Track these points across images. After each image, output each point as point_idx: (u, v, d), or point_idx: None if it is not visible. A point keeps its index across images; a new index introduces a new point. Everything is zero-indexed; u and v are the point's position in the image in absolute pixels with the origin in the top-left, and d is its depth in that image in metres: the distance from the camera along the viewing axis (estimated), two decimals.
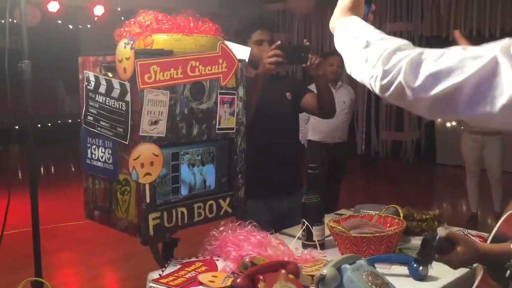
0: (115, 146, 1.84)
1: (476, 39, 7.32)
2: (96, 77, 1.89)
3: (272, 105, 2.43)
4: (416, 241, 2.03)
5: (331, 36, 1.20)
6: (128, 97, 1.76)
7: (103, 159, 1.90)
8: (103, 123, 1.87)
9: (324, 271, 1.51)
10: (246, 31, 2.43)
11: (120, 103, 1.80)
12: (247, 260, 1.75)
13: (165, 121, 1.81)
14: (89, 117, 1.94)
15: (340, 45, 1.14)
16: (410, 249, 2.00)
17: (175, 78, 1.81)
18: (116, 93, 1.81)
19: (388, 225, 2.05)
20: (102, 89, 1.86)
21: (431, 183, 7.56)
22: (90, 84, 1.92)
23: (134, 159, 1.75)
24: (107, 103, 1.85)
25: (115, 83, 1.80)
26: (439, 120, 8.03)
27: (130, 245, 2.48)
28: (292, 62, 2.33)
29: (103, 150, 1.90)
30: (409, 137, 8.38)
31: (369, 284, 1.51)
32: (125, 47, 1.75)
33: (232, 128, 2.03)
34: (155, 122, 1.78)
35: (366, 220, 2.05)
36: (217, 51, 1.94)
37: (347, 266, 1.54)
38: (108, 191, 1.91)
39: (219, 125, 1.98)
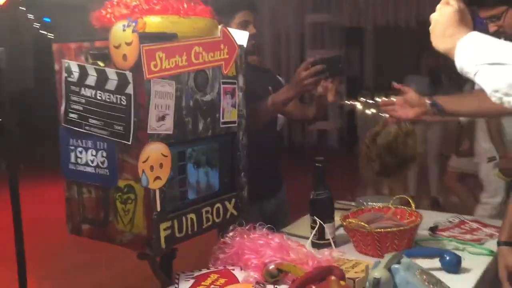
0: (112, 147, 1.57)
1: (394, 29, 7.60)
2: (82, 67, 1.59)
3: (257, 101, 2.24)
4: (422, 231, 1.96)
5: None
6: (130, 89, 1.50)
7: (95, 163, 1.62)
8: (94, 121, 1.59)
9: (376, 274, 1.37)
10: (228, 11, 2.21)
11: (119, 96, 1.53)
12: (272, 267, 1.58)
13: (172, 116, 1.57)
14: (71, 115, 1.64)
15: (470, 68, 1.04)
16: (423, 240, 1.93)
17: (180, 66, 1.58)
18: (112, 85, 1.53)
19: (399, 217, 1.96)
20: (91, 80, 1.58)
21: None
22: (72, 76, 1.62)
23: (144, 162, 1.50)
24: (98, 97, 1.57)
25: (111, 73, 1.53)
26: (359, 107, 8.27)
27: (115, 263, 2.19)
28: (329, 78, 2.01)
29: (94, 153, 1.61)
30: (333, 126, 8.53)
31: (426, 283, 1.40)
32: (124, 30, 1.48)
33: (235, 122, 1.83)
34: (163, 117, 1.54)
35: (380, 213, 1.95)
36: (218, 35, 1.72)
37: (397, 266, 1.42)
38: (103, 200, 1.63)
39: (222, 118, 1.77)
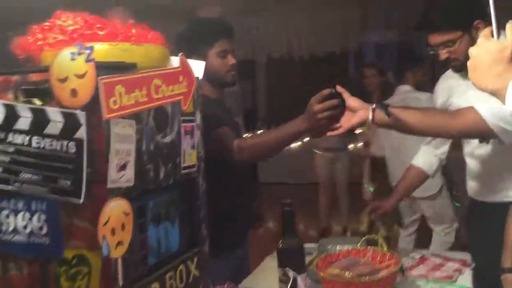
0: (55, 208, 1.22)
1: (286, 62, 7.68)
2: (9, 107, 1.23)
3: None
4: None
5: None
6: (81, 133, 1.18)
7: (28, 230, 1.25)
8: (28, 176, 1.23)
9: None
10: (207, 40, 1.95)
11: (66, 142, 1.19)
12: None
13: (133, 164, 1.27)
14: None
15: None
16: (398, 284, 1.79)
17: (141, 103, 1.29)
18: (55, 128, 1.20)
19: (370, 258, 1.80)
20: (24, 123, 1.22)
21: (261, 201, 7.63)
22: None
23: (104, 225, 1.17)
24: (35, 145, 1.22)
25: (54, 113, 1.19)
26: None
27: None
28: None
29: (28, 216, 1.25)
30: None
31: None
32: (73, 59, 1.17)
33: (194, 166, 1.56)
34: (124, 166, 1.23)
35: (355, 258, 1.78)
36: (171, 65, 1.47)
37: None
38: (40, 278, 1.26)
39: (183, 162, 1.49)
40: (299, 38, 7.38)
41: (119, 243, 1.22)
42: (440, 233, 3.46)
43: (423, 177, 2.19)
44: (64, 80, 1.17)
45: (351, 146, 4.96)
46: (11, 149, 1.24)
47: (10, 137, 1.24)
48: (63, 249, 1.23)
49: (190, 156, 1.53)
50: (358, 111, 1.71)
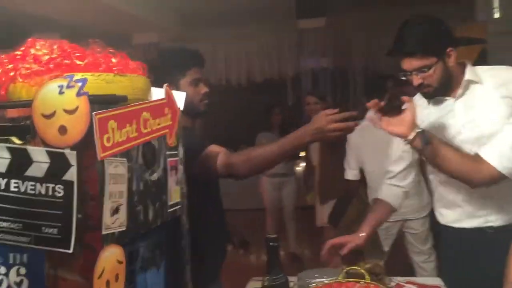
0: (38, 260, 1.08)
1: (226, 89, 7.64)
2: None
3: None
4: None
5: None
6: (71, 175, 1.05)
7: (4, 287, 1.10)
8: (5, 224, 1.08)
9: None
10: (178, 68, 1.87)
11: (52, 186, 1.06)
12: None
13: (125, 206, 1.15)
14: None
15: None
16: None
17: (131, 138, 1.18)
18: (39, 170, 1.06)
19: None
20: (0, 166, 1.08)
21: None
22: None
23: (99, 278, 1.05)
24: (13, 189, 1.08)
25: (38, 153, 1.06)
26: None
27: None
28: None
29: (3, 271, 1.10)
30: None
31: None
32: (62, 92, 1.05)
33: (178, 203, 1.46)
34: (117, 210, 1.11)
35: None
36: (152, 97, 1.37)
37: None
38: None
39: (170, 200, 1.39)
40: (237, 64, 7.39)
41: None
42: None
43: (391, 210, 2.17)
44: (50, 116, 1.05)
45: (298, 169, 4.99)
46: None
47: None
48: None
49: (175, 193, 1.42)
50: (401, 125, 1.76)
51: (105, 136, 1.07)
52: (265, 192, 4.95)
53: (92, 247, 1.06)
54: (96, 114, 1.04)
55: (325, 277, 1.85)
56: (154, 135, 1.29)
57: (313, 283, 1.80)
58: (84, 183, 1.06)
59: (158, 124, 1.32)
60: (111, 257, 1.09)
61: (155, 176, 1.31)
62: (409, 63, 1.88)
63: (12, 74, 1.20)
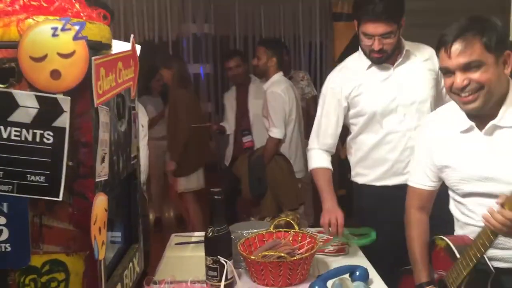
0: (20, 209, 1.04)
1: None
2: None
3: None
4: None
5: None
6: (63, 122, 1.02)
7: None
8: None
9: None
10: None
11: (40, 132, 1.02)
12: None
13: (108, 155, 1.14)
14: None
15: None
16: None
17: (112, 88, 1.17)
18: (26, 115, 1.02)
19: (282, 239, 1.92)
20: None
21: None
22: None
23: (94, 224, 1.04)
24: None
25: (26, 98, 1.01)
26: None
27: None
28: None
29: None
30: None
31: None
32: (55, 35, 1.00)
33: (136, 157, 1.46)
34: (103, 159, 1.11)
35: (277, 240, 1.86)
36: (129, 48, 1.35)
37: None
38: None
39: (132, 152, 1.39)
40: (116, 22, 7.04)
41: (103, 243, 1.10)
42: None
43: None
44: (41, 59, 1.01)
45: None
46: None
47: None
48: (29, 256, 1.05)
49: (133, 146, 1.43)
50: None
51: (98, 83, 1.06)
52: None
53: (84, 195, 1.05)
54: (95, 60, 1.02)
55: (255, 228, 1.98)
56: (124, 85, 1.28)
57: (246, 234, 1.91)
58: (77, 130, 1.04)
59: (126, 76, 1.31)
60: (101, 205, 1.09)
61: (123, 128, 1.31)
62: (374, 27, 2.00)
63: None
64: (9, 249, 1.05)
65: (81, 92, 1.02)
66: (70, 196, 1.04)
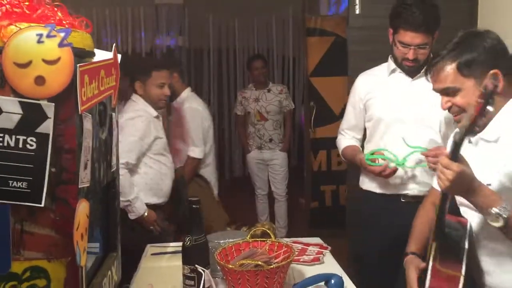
0: (1, 214, 1.03)
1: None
2: None
3: None
4: None
5: None
6: (46, 127, 1.03)
7: None
8: None
9: None
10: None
11: (23, 138, 1.03)
12: None
13: (90, 162, 1.15)
14: None
15: None
16: None
17: (95, 95, 1.18)
18: (9, 121, 1.02)
19: (267, 249, 1.93)
20: None
21: None
22: None
23: (76, 230, 1.05)
24: None
25: (9, 103, 1.01)
26: None
27: None
28: None
29: None
30: None
31: None
32: (41, 41, 1.01)
33: (115, 165, 1.46)
34: (86, 165, 1.11)
35: (254, 249, 1.88)
36: (111, 57, 1.36)
37: None
38: None
39: (112, 161, 1.40)
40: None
41: (84, 250, 1.10)
42: None
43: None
44: (25, 65, 1.01)
45: None
46: None
47: None
48: (10, 263, 1.05)
49: (114, 155, 1.43)
50: None
51: (83, 90, 1.07)
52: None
53: (66, 201, 1.05)
54: (79, 66, 1.03)
55: (232, 238, 1.99)
56: (105, 94, 1.29)
57: (223, 243, 1.92)
58: (60, 136, 1.04)
59: (108, 84, 1.32)
60: (83, 211, 1.09)
61: (104, 135, 1.32)
62: (411, 38, 2.02)
63: None
64: None
65: (66, 98, 1.03)
66: (52, 202, 1.05)
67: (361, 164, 2.23)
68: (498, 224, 1.33)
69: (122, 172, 2.39)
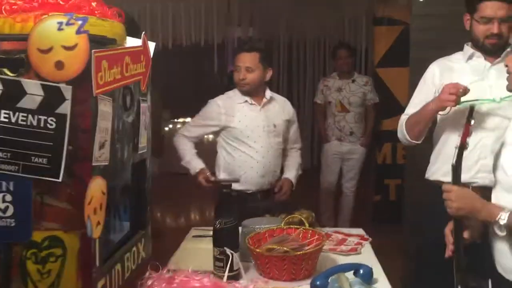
0: (25, 187, 1.13)
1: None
2: None
3: None
4: None
5: None
6: (64, 108, 1.12)
7: None
8: None
9: None
10: None
11: (44, 118, 1.12)
12: None
13: (109, 142, 1.23)
14: None
15: None
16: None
17: (116, 80, 1.25)
18: (32, 102, 1.11)
19: (301, 235, 1.94)
20: None
21: None
22: None
23: (89, 204, 1.13)
24: (2, 120, 1.12)
25: (32, 86, 1.11)
26: None
27: None
28: None
29: None
30: None
31: None
32: (61, 29, 1.10)
33: (145, 147, 1.54)
34: (103, 145, 1.19)
35: (285, 235, 1.91)
36: (140, 44, 1.44)
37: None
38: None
39: (140, 143, 1.48)
40: (162, 26, 7.22)
41: (98, 224, 1.18)
42: None
43: None
44: (47, 51, 1.10)
45: None
46: None
47: None
48: (30, 231, 1.15)
49: (142, 137, 1.51)
50: None
51: (99, 74, 1.14)
52: None
53: (81, 177, 1.14)
54: (95, 52, 1.11)
55: (268, 224, 2.02)
56: (132, 79, 1.37)
57: (257, 228, 1.96)
58: (77, 117, 1.12)
59: (135, 70, 1.39)
60: (97, 188, 1.17)
61: (130, 119, 1.39)
62: (495, 9, 1.91)
63: None
64: (13, 224, 1.14)
65: (82, 82, 1.11)
66: (69, 178, 1.13)
67: (434, 106, 2.04)
68: (502, 233, 1.44)
69: None
